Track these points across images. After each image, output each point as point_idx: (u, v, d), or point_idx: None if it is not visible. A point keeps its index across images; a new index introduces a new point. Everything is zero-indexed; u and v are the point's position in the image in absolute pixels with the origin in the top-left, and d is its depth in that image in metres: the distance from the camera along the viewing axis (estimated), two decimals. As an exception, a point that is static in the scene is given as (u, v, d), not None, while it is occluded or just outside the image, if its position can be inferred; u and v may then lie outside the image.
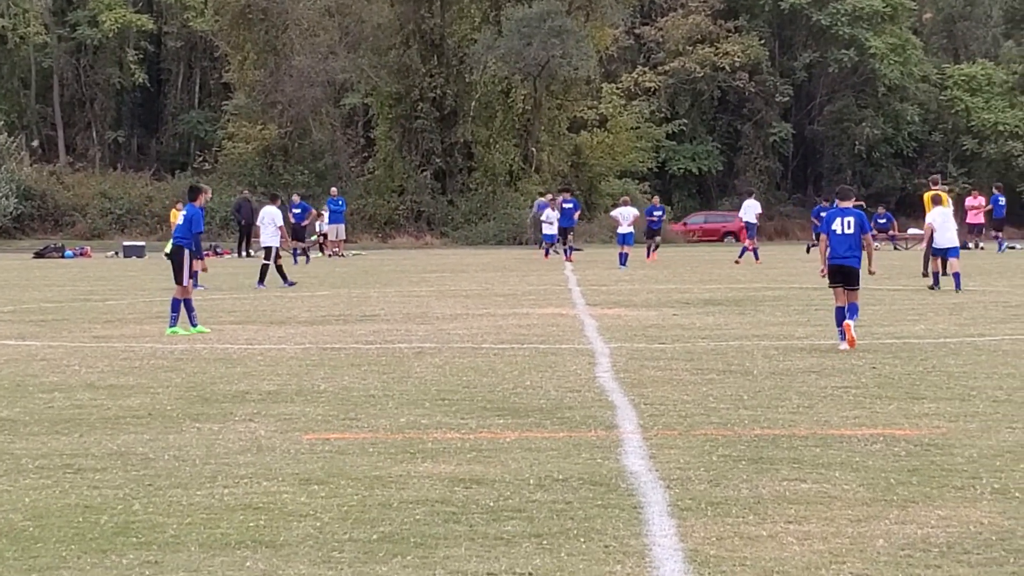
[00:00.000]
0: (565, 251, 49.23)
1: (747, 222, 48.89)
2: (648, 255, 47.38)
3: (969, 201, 56.44)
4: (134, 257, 56.08)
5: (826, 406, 13.58)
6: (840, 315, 18.95)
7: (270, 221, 35.36)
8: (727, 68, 79.11)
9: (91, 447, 11.75)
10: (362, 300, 29.61)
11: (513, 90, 73.82)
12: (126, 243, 59.98)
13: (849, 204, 19.63)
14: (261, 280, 34.20)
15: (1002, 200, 57.26)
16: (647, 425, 12.53)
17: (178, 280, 22.52)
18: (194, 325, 22.14)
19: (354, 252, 59.53)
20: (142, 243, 60.06)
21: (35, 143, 78.45)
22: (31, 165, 74.07)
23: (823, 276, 19.71)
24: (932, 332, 21.01)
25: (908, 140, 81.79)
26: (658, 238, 49.77)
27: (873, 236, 21.28)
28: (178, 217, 24.25)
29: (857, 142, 79.65)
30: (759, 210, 48.34)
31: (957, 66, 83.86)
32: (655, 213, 49.27)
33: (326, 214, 57.58)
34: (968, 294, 29.11)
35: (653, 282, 34.99)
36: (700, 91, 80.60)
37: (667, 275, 38.63)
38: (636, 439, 11.83)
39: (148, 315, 25.94)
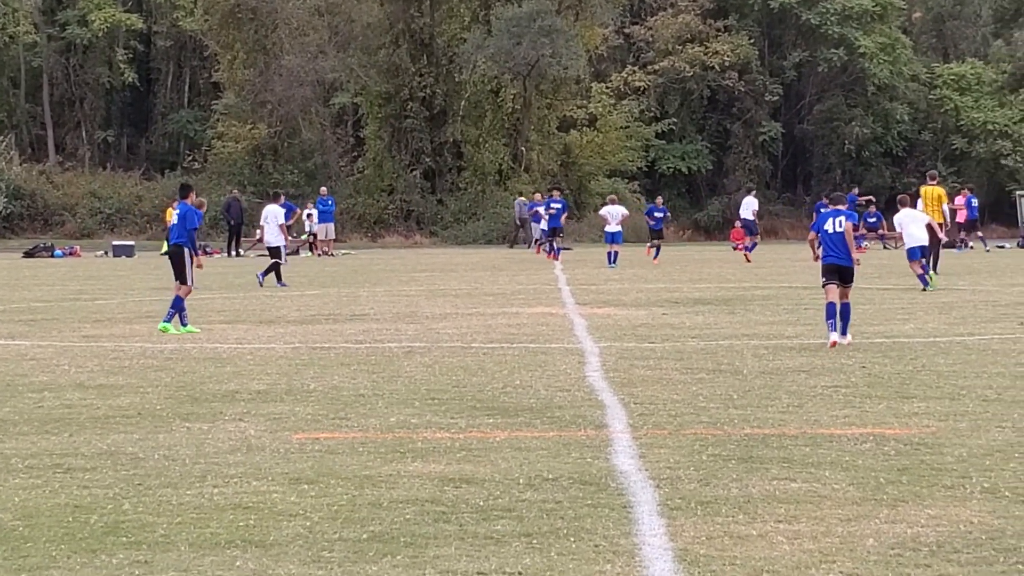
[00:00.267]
0: (552, 250, 49.05)
1: (745, 219, 48.83)
2: (655, 256, 46.10)
3: (959, 200, 56.54)
4: (123, 256, 55.98)
5: (816, 405, 13.59)
6: (831, 310, 19.07)
7: (273, 219, 35.34)
8: (717, 67, 79.07)
9: (81, 447, 11.74)
10: (352, 299, 29.59)
11: (503, 89, 73.79)
12: (116, 242, 59.85)
13: (843, 208, 20.04)
14: (279, 279, 34.17)
15: (975, 202, 57.55)
16: (637, 424, 12.54)
17: (182, 279, 22.61)
18: (184, 325, 22.13)
19: (344, 252, 59.50)
20: (131, 242, 59.96)
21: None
22: (20, 164, 73.92)
23: (816, 260, 20.10)
24: (922, 331, 21.04)
25: (897, 139, 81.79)
26: (658, 240, 47.81)
27: (863, 235, 21.47)
28: (172, 216, 24.24)
29: (847, 141, 79.64)
30: (756, 207, 48.29)
31: (947, 65, 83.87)
32: (656, 214, 48.15)
33: (315, 213, 57.56)
34: (957, 293, 29.16)
35: (643, 281, 35.00)
36: (690, 90, 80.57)
37: (657, 274, 38.64)
38: (626, 438, 11.84)
39: (138, 314, 25.91)
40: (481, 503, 9.40)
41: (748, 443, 11.53)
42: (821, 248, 19.63)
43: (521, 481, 10.09)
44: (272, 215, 35.52)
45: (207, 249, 56.68)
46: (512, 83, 73.25)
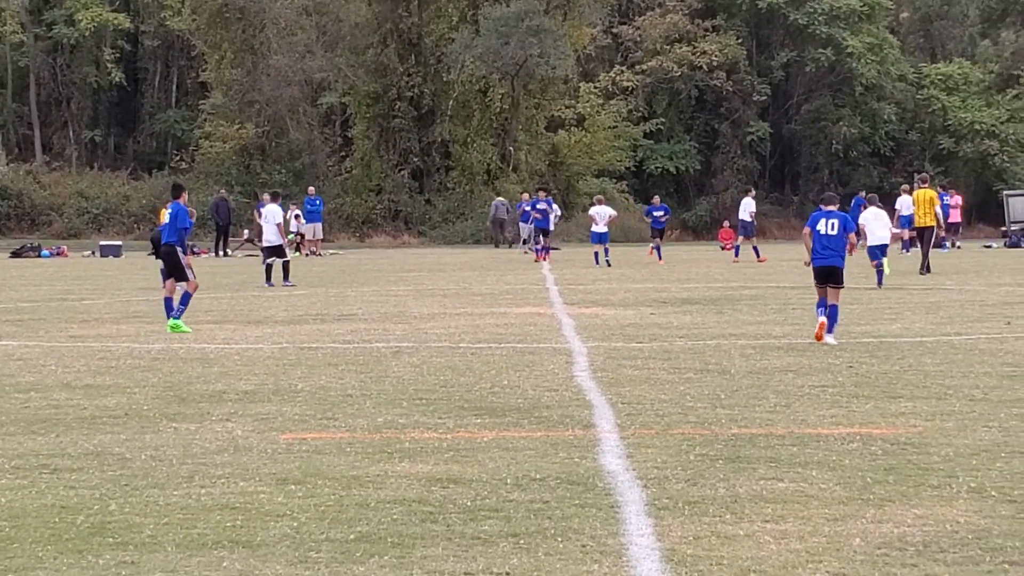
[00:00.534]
0: (537, 250, 48.95)
1: (743, 220, 48.82)
2: (659, 257, 45.93)
3: (945, 200, 56.66)
4: (111, 256, 55.87)
5: (803, 405, 13.60)
6: (822, 301, 19.26)
7: (272, 219, 35.33)
8: (704, 67, 79.15)
9: (67, 447, 11.72)
10: (339, 299, 29.57)
11: (491, 89, 73.78)
12: (103, 242, 59.74)
13: (835, 208, 20.08)
14: (286, 277, 34.20)
15: (947, 199, 57.62)
16: (624, 424, 12.54)
17: (181, 278, 22.73)
18: (177, 319, 22.21)
19: (331, 251, 59.46)
20: (119, 242, 59.85)
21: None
22: (7, 164, 73.81)
23: (807, 265, 20.08)
24: (909, 331, 21.07)
25: (885, 139, 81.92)
26: (657, 240, 47.48)
27: (856, 235, 21.58)
28: (165, 216, 24.33)
29: (834, 141, 79.75)
30: (754, 208, 48.30)
31: (934, 65, 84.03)
32: (655, 213, 47.93)
33: (301, 213, 57.49)
34: (944, 293, 29.23)
35: (630, 281, 35.02)
36: (678, 90, 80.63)
37: (644, 274, 38.66)
38: (613, 438, 11.83)
39: (125, 315, 25.88)
40: (469, 503, 9.39)
41: (735, 443, 11.54)
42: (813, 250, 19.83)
43: (509, 481, 10.08)
44: (271, 214, 35.51)
45: (194, 249, 56.65)
46: (500, 83, 73.26)
